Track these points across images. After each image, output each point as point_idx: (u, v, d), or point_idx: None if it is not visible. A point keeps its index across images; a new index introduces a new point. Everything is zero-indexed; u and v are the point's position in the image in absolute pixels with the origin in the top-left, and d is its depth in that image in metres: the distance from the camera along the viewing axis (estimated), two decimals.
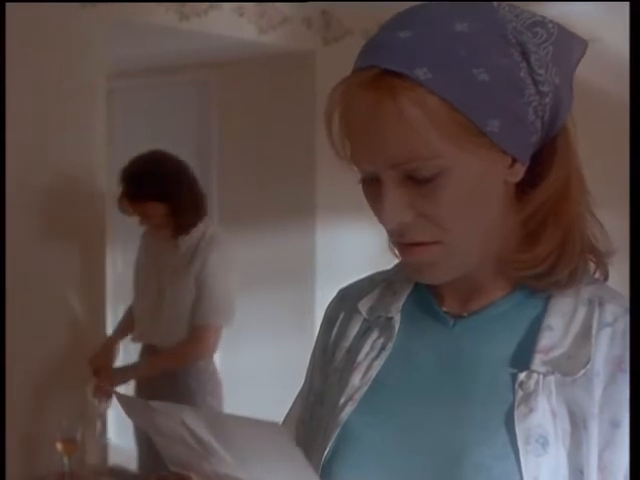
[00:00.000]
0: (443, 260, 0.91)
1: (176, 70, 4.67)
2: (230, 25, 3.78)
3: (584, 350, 0.89)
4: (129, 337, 3.26)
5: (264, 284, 4.22)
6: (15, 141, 3.03)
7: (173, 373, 2.97)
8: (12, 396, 2.82)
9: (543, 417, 0.87)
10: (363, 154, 0.88)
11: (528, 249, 0.93)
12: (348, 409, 0.97)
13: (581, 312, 0.92)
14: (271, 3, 3.88)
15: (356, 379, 0.99)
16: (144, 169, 2.98)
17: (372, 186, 0.90)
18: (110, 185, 3.38)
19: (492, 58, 0.85)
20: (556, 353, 0.89)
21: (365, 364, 0.99)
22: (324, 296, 1.19)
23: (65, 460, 2.74)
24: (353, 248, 4.12)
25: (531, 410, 0.87)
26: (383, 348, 0.99)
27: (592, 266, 0.96)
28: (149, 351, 3.11)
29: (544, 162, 0.93)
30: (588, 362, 0.88)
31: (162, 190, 2.95)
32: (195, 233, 3.01)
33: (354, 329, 1.04)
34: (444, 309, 0.98)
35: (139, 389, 3.14)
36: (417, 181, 0.87)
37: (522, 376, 0.90)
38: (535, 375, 0.89)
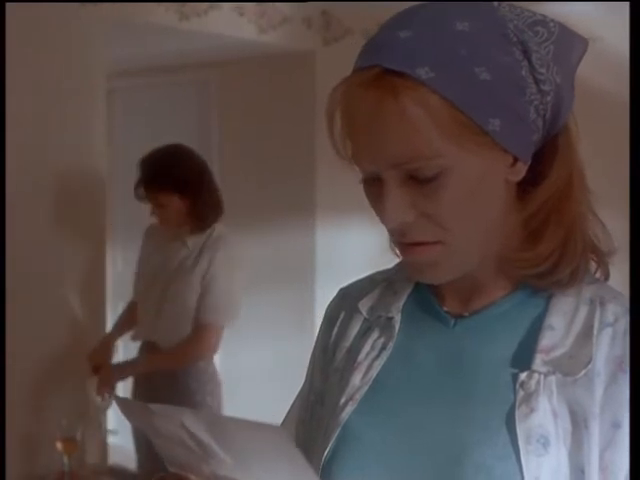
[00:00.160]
0: (444, 260, 0.90)
1: (176, 70, 4.67)
2: (230, 25, 3.78)
3: (585, 350, 0.89)
4: (129, 336, 3.25)
5: (264, 284, 4.22)
6: (15, 141, 3.03)
7: (173, 373, 2.96)
8: (12, 396, 2.82)
9: (544, 417, 0.87)
10: (365, 154, 0.88)
11: (530, 248, 0.92)
12: (348, 409, 0.97)
13: (582, 312, 0.92)
14: (271, 3, 3.88)
15: (356, 379, 0.99)
16: (167, 158, 2.94)
17: (373, 186, 0.90)
18: (110, 185, 3.38)
19: (493, 57, 0.85)
20: (557, 353, 0.89)
21: (365, 364, 0.99)
22: (324, 296, 1.19)
23: (65, 459, 2.74)
24: (353, 248, 4.12)
25: (532, 410, 0.87)
26: (384, 348, 0.99)
27: (593, 265, 0.96)
28: (148, 348, 3.10)
29: (546, 161, 0.93)
30: (589, 362, 0.88)
31: (184, 184, 2.91)
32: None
33: (354, 329, 1.04)
34: (445, 309, 0.98)
35: (139, 389, 3.12)
36: (419, 181, 0.87)
37: (523, 376, 0.89)
38: (536, 375, 0.89)
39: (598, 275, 0.97)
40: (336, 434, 0.96)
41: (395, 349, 0.99)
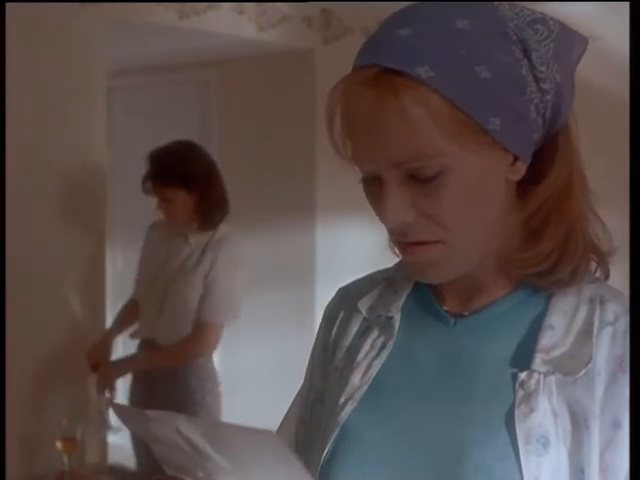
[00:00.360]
0: (445, 259, 0.90)
1: (176, 69, 4.67)
2: (230, 23, 3.78)
3: (585, 349, 0.88)
4: (128, 334, 3.24)
5: (264, 283, 4.22)
6: (15, 141, 3.03)
7: (172, 371, 2.96)
8: (12, 396, 2.82)
9: (544, 417, 0.87)
10: (365, 153, 0.88)
11: (530, 247, 0.92)
12: (348, 408, 0.97)
13: (582, 311, 0.91)
14: (271, 2, 3.88)
15: (356, 378, 0.99)
16: (176, 153, 2.93)
17: (374, 185, 0.90)
18: (110, 184, 3.38)
19: (493, 56, 0.85)
20: (557, 352, 0.89)
21: (365, 363, 0.99)
22: (324, 295, 1.19)
23: (65, 459, 2.74)
24: (353, 247, 4.12)
25: (532, 410, 0.87)
26: (383, 347, 0.99)
27: (593, 265, 0.96)
28: (147, 346, 3.09)
29: (546, 160, 0.92)
30: (589, 361, 0.88)
31: (192, 179, 2.90)
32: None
33: (354, 328, 1.04)
34: (445, 308, 0.98)
35: (138, 388, 3.12)
36: (419, 180, 0.86)
37: (523, 376, 0.89)
38: (536, 375, 0.89)
39: (598, 274, 0.96)
40: (336, 433, 0.96)
41: (395, 348, 0.99)
